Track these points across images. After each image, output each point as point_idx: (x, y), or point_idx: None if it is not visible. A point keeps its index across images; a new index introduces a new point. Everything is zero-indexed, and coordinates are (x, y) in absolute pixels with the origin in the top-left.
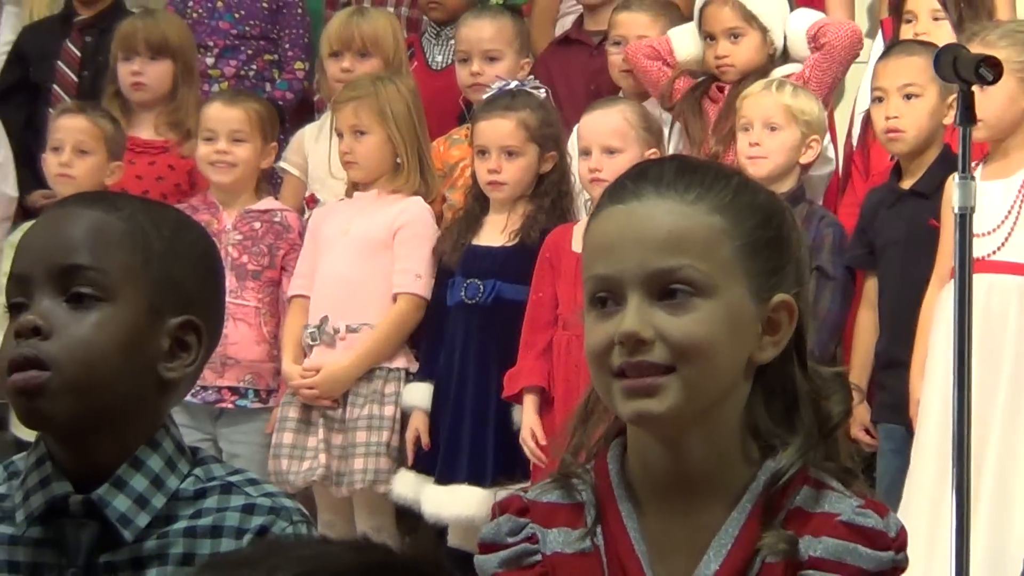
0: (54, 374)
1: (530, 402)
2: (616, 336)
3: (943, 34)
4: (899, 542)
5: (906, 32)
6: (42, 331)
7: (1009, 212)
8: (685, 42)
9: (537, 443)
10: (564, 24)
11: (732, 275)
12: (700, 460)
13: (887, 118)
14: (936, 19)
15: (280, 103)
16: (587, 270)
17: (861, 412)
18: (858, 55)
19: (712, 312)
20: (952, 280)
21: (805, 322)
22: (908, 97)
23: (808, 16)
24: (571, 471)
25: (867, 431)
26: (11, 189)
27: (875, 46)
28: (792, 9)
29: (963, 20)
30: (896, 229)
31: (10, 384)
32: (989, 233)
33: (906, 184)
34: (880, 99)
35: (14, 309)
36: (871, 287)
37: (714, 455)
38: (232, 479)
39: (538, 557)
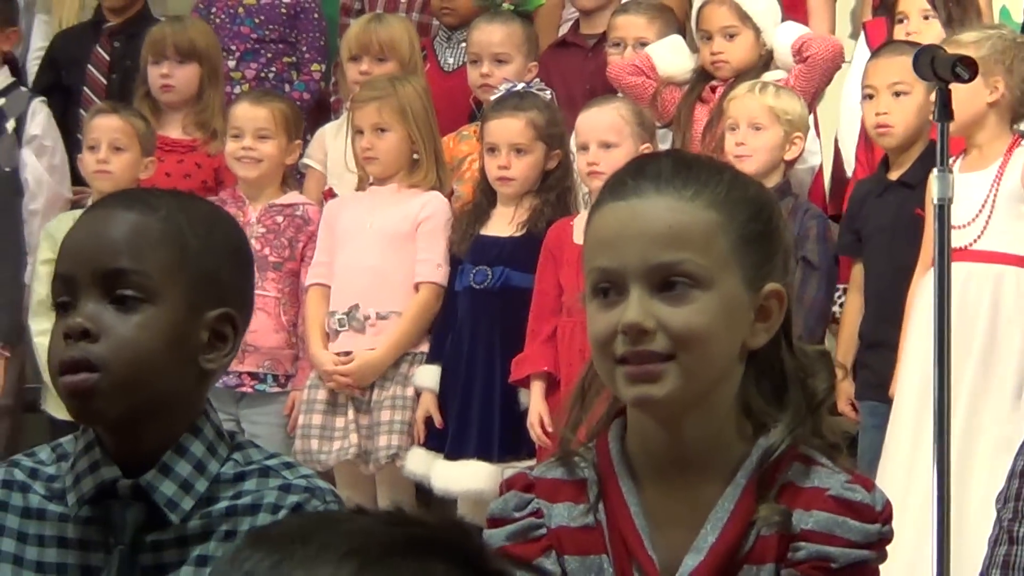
0: (104, 375)
1: (537, 388)
2: (619, 326)
3: (933, 33)
4: (885, 515)
5: (899, 32)
6: (91, 333)
7: (984, 203)
8: (665, 56)
9: (544, 428)
10: (565, 29)
11: (728, 267)
12: (697, 439)
13: (877, 114)
14: (926, 18)
15: (298, 103)
16: (589, 262)
17: (847, 387)
18: (839, 67)
19: (710, 303)
20: (932, 267)
21: (791, 307)
22: (897, 94)
23: (794, 29)
24: (573, 449)
25: (852, 406)
26: (67, 191)
27: (858, 47)
28: (781, 14)
29: (952, 19)
30: (883, 217)
31: (62, 385)
32: (968, 224)
33: (894, 175)
34: (871, 96)
35: (60, 307)
36: (858, 272)
37: (710, 434)
38: (269, 463)
39: (543, 531)
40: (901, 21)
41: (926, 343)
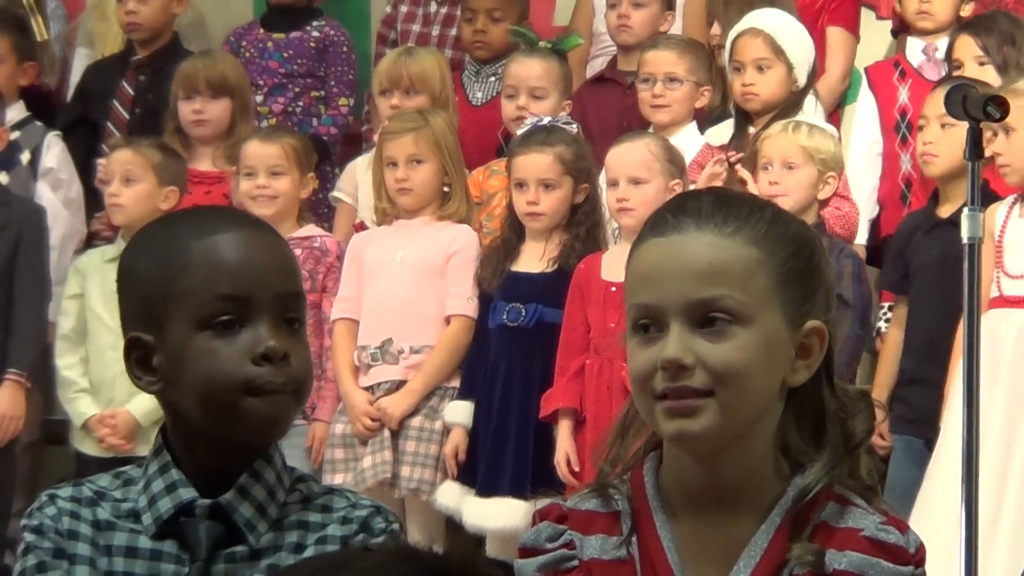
0: (296, 395)
1: (565, 427)
2: (659, 361)
3: (989, 78)
4: (918, 557)
5: None
6: (288, 356)
7: None
8: (687, 145)
9: (570, 468)
10: (594, 65)
11: (768, 304)
12: (734, 476)
13: (924, 143)
14: (982, 64)
15: (325, 138)
16: (630, 298)
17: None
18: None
19: (749, 339)
20: (989, 310)
21: (834, 345)
22: (944, 126)
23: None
24: (608, 481)
25: (881, 435)
26: (82, 225)
27: (862, 91)
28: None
29: (1008, 64)
30: (930, 255)
31: (260, 401)
32: None
33: (943, 212)
34: (921, 127)
35: (223, 326)
36: (903, 309)
37: (747, 471)
38: (333, 487)
39: (576, 563)
40: (958, 68)
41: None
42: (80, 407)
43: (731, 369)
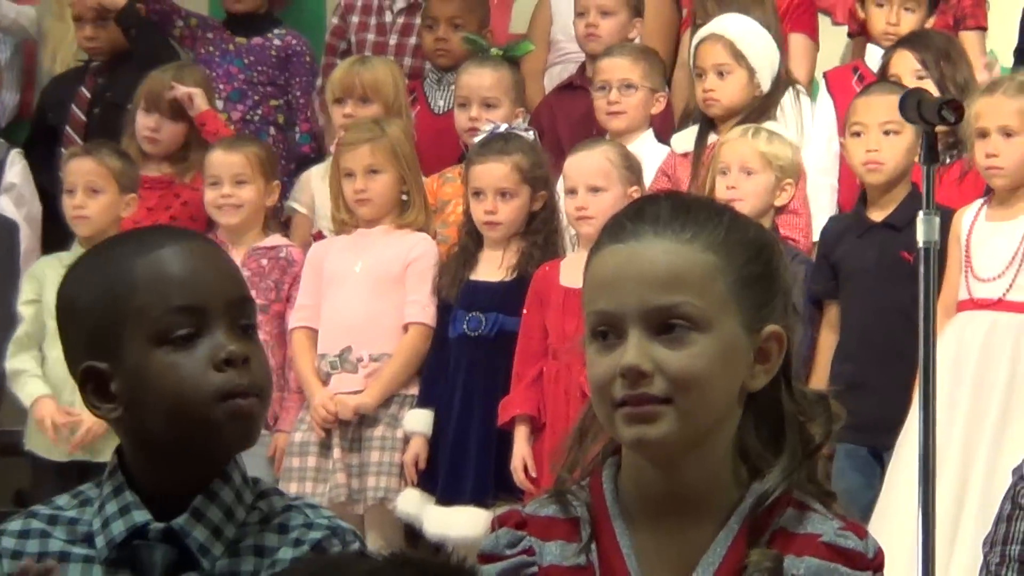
0: (262, 398)
1: (522, 433)
2: (618, 369)
3: None
4: (876, 563)
5: None
6: (249, 360)
7: (1015, 254)
8: (647, 154)
9: (527, 474)
10: (551, 73)
11: (726, 309)
12: (693, 482)
13: (868, 151)
14: (920, 78)
15: (312, 155)
16: (589, 305)
17: None
18: None
19: (708, 346)
20: (957, 313)
21: (792, 349)
22: (887, 133)
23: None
24: (567, 487)
25: None
26: (38, 242)
27: (820, 95)
28: (779, 61)
29: (945, 77)
30: (864, 259)
31: (232, 409)
32: (998, 277)
33: (875, 216)
34: (858, 134)
35: (181, 339)
36: (834, 313)
37: (706, 477)
38: (293, 503)
39: (535, 569)
40: (895, 84)
41: (945, 391)
42: (31, 388)
43: (690, 376)
